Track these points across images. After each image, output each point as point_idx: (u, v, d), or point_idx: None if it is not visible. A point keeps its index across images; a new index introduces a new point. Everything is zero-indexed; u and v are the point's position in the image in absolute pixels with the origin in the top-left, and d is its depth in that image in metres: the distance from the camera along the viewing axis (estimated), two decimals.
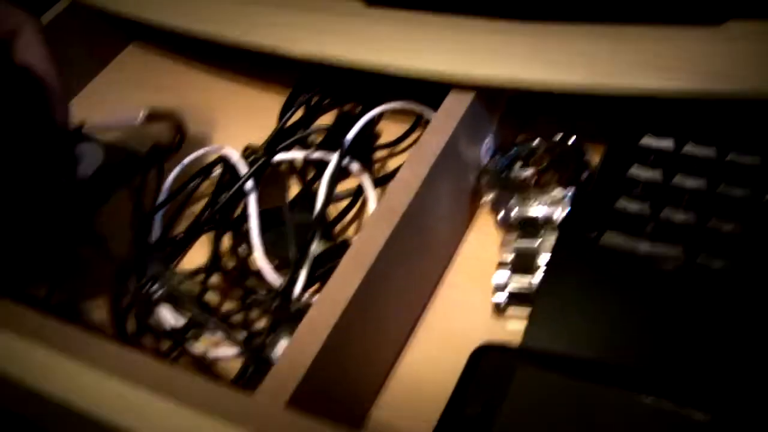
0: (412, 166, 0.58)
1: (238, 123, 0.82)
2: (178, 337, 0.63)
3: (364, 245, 0.54)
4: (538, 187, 0.62)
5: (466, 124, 0.61)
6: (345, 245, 0.63)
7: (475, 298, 0.61)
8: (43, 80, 0.56)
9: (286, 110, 0.78)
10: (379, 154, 0.73)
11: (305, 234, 0.63)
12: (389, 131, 0.75)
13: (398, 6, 0.68)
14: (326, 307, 0.52)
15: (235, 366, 0.61)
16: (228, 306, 0.65)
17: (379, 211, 0.56)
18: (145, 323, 0.64)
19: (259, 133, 0.75)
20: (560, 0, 0.62)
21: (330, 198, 0.63)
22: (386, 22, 0.67)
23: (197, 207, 0.72)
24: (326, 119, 0.77)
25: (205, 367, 0.62)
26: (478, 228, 0.66)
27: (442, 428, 0.49)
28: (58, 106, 0.57)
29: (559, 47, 0.60)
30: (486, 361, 0.52)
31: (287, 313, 0.59)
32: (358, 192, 0.69)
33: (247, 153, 0.70)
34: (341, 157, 0.64)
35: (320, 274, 0.62)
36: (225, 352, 0.62)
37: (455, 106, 0.62)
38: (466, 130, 0.62)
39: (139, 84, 0.91)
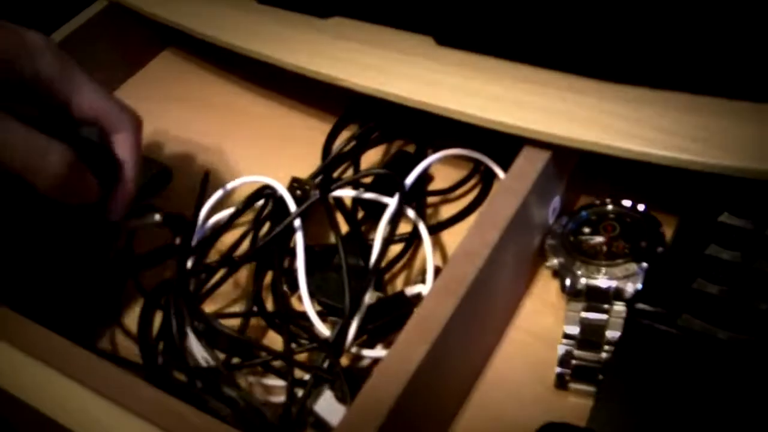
0: (482, 231, 0.55)
1: (275, 148, 0.79)
2: (212, 377, 0.59)
3: (429, 315, 0.51)
4: (608, 256, 0.59)
5: (538, 184, 0.58)
6: (401, 299, 0.59)
7: (532, 373, 0.58)
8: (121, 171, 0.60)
9: (331, 140, 0.74)
10: (431, 199, 0.69)
11: (352, 280, 0.59)
12: (441, 175, 0.71)
13: (471, 49, 0.64)
14: (387, 379, 0.49)
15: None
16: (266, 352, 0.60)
17: (444, 279, 0.53)
18: (176, 359, 0.60)
19: (299, 161, 0.72)
20: (654, 66, 0.58)
21: (387, 245, 0.59)
22: (457, 64, 0.64)
23: (230, 237, 0.68)
24: (374, 154, 0.74)
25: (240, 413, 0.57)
26: (537, 294, 0.62)
27: None
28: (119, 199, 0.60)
29: (654, 114, 0.57)
30: None
31: (334, 367, 0.55)
32: (410, 239, 0.65)
33: (295, 186, 0.66)
34: (401, 201, 0.61)
35: (373, 328, 0.58)
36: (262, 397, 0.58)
37: (528, 165, 0.59)
38: (538, 191, 0.58)
39: (167, 94, 0.87)
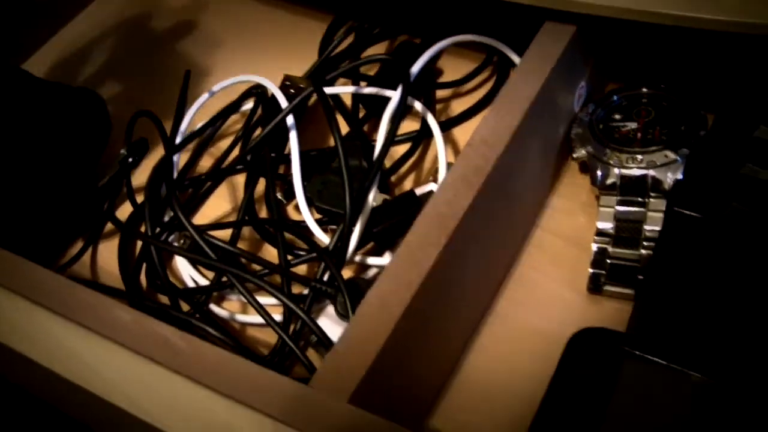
0: (501, 114, 0.48)
1: (270, 51, 0.71)
2: (200, 298, 0.52)
3: (445, 208, 0.44)
4: (643, 143, 0.52)
5: (562, 65, 0.51)
6: (410, 199, 0.52)
7: (562, 278, 0.51)
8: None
9: (329, 37, 0.66)
10: (440, 93, 0.62)
11: (355, 182, 0.52)
12: (451, 68, 0.64)
13: None
14: (398, 282, 0.42)
15: (265, 336, 0.52)
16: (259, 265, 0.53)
17: (460, 169, 0.46)
18: (160, 280, 0.53)
19: (297, 64, 0.64)
20: None
21: (391, 141, 0.52)
22: None
23: (224, 143, 0.61)
24: (376, 51, 0.66)
25: (231, 335, 0.51)
26: (565, 193, 0.55)
27: (541, 424, 0.40)
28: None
29: None
30: (588, 348, 0.43)
31: (337, 278, 0.48)
32: (419, 136, 0.57)
33: (288, 84, 0.59)
34: (405, 92, 0.53)
35: (378, 233, 0.51)
36: (256, 318, 0.52)
37: (551, 41, 0.51)
38: (562, 73, 0.51)
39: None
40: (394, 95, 0.54)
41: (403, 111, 0.53)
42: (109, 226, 0.60)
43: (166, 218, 0.57)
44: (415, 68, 0.56)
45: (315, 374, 0.39)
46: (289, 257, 0.52)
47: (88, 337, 0.42)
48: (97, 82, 0.69)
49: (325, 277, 0.50)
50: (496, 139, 0.47)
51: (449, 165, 0.54)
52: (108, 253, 0.59)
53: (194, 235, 0.51)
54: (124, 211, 0.60)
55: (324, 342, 0.46)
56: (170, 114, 0.60)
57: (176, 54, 0.72)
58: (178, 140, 0.58)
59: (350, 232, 0.50)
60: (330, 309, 0.50)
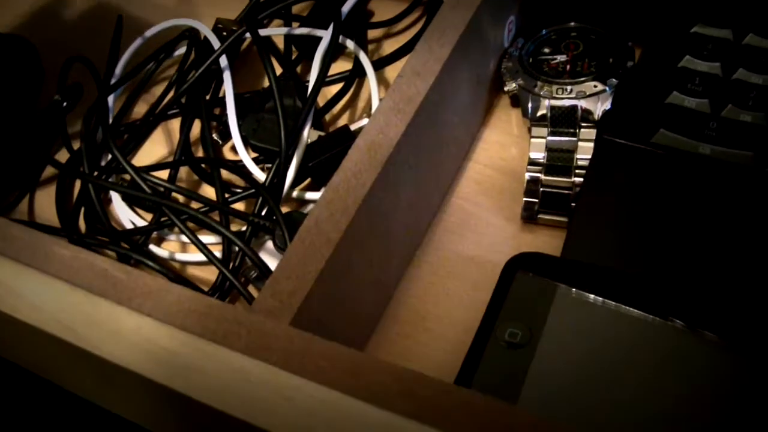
0: (431, 46, 0.48)
1: None
2: (139, 240, 0.52)
3: (377, 137, 0.44)
4: (573, 75, 0.53)
5: None
6: (345, 134, 0.52)
7: (497, 208, 0.52)
8: None
9: None
10: (373, 34, 0.62)
11: (290, 122, 0.53)
12: (382, 9, 0.64)
13: None
14: (333, 208, 0.42)
15: (205, 274, 0.52)
16: (198, 202, 0.53)
17: (393, 99, 0.46)
18: (99, 221, 0.53)
19: (230, 8, 0.63)
20: None
21: (323, 78, 0.52)
22: None
23: (158, 89, 0.61)
24: None
25: (173, 274, 0.51)
26: (496, 125, 0.56)
27: (476, 354, 0.42)
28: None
29: None
30: (521, 274, 0.45)
31: (274, 214, 0.48)
32: (352, 75, 0.58)
33: (220, 27, 0.59)
34: (337, 31, 0.53)
35: (313, 166, 0.52)
36: (195, 256, 0.52)
37: None
38: (491, 6, 0.51)
39: None
40: (326, 34, 0.55)
41: (334, 50, 0.54)
42: (46, 173, 0.59)
43: (103, 163, 0.56)
44: (346, 7, 0.56)
45: (255, 300, 0.39)
46: (227, 195, 0.52)
47: (25, 272, 0.42)
48: (24, 28, 0.68)
49: (263, 213, 0.50)
50: (427, 71, 0.47)
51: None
52: (46, 200, 0.58)
53: (132, 175, 0.51)
54: (60, 157, 0.59)
55: (264, 274, 0.46)
56: (103, 60, 0.60)
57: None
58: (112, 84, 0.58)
59: (286, 167, 0.50)
60: (269, 244, 0.50)
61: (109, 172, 0.55)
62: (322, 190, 0.50)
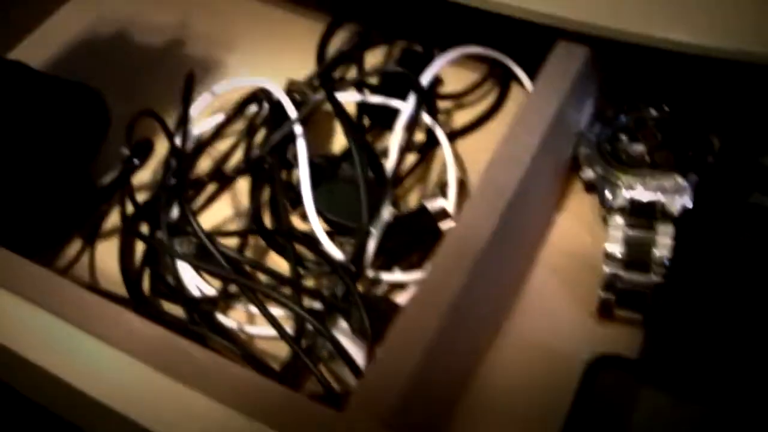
0: (519, 134, 0.48)
1: (263, 50, 0.70)
2: (207, 307, 0.52)
3: (468, 231, 0.44)
4: (652, 166, 0.52)
5: (575, 85, 0.51)
6: (422, 214, 0.52)
7: (571, 298, 0.52)
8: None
9: (326, 40, 0.66)
10: (441, 104, 0.62)
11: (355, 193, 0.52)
12: (448, 77, 0.63)
13: None
14: (425, 305, 0.42)
15: (273, 347, 0.51)
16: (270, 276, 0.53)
17: (482, 190, 0.46)
18: (165, 286, 0.53)
19: (288, 64, 0.64)
20: None
21: (404, 154, 0.52)
22: None
23: (221, 145, 0.61)
24: (374, 56, 0.66)
25: (239, 347, 0.51)
26: (570, 211, 0.56)
27: None
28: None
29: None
30: (604, 376, 0.45)
31: (354, 294, 0.48)
32: (425, 147, 0.58)
33: (292, 89, 0.58)
34: (419, 104, 0.53)
35: (392, 247, 0.51)
36: (266, 330, 0.51)
37: (565, 62, 0.52)
38: (575, 93, 0.51)
39: None
40: (406, 105, 0.54)
41: (415, 123, 0.53)
42: (107, 226, 0.59)
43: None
44: (425, 80, 0.55)
45: (350, 398, 0.39)
46: (300, 269, 0.52)
47: (101, 347, 0.42)
48: (89, 75, 0.67)
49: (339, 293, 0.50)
50: (516, 161, 0.47)
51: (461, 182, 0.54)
52: (106, 254, 0.57)
53: (208, 245, 0.50)
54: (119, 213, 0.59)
55: (345, 359, 0.46)
56: (167, 112, 0.60)
57: (169, 49, 0.70)
58: (177, 140, 0.57)
59: (365, 245, 0.50)
60: (341, 324, 0.50)
61: (177, 233, 0.54)
62: (395, 272, 0.50)
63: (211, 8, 0.74)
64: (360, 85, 0.59)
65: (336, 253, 0.52)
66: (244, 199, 0.58)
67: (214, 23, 0.72)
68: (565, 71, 0.51)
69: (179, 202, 0.53)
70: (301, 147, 0.54)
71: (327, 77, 0.59)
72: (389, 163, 0.53)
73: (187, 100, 0.58)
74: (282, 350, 0.51)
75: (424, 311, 0.42)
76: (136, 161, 0.58)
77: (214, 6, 0.74)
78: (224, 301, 0.53)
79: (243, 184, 0.59)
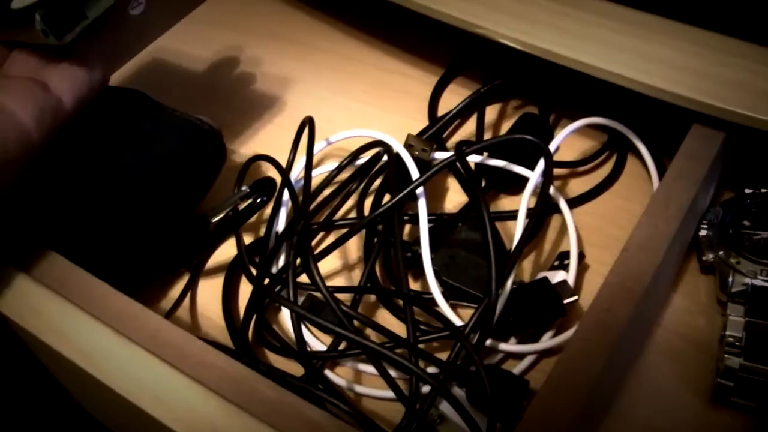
0: (656, 221, 0.48)
1: (371, 99, 0.70)
2: (317, 360, 0.51)
3: (605, 315, 0.44)
4: None
5: (711, 170, 0.50)
6: (544, 286, 0.52)
7: (684, 381, 0.51)
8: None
9: (438, 92, 0.66)
10: (557, 171, 0.62)
11: (475, 259, 0.52)
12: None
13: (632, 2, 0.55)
14: (562, 387, 0.42)
15: (378, 407, 0.51)
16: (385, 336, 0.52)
17: (618, 274, 0.46)
18: (274, 338, 0.53)
19: (398, 116, 0.65)
20: None
21: (531, 227, 0.52)
22: (616, 19, 0.55)
23: (334, 195, 0.61)
24: (489, 113, 0.66)
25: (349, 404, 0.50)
26: (686, 292, 0.55)
27: None
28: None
29: None
30: None
31: (476, 362, 0.47)
32: (542, 215, 0.58)
33: (411, 145, 0.58)
34: (549, 174, 0.53)
35: (515, 319, 0.51)
36: (378, 391, 0.51)
37: (701, 148, 0.52)
38: (708, 179, 0.51)
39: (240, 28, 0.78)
40: (534, 174, 0.54)
41: (546, 192, 0.53)
42: (216, 268, 0.58)
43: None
44: (553, 147, 0.55)
45: None
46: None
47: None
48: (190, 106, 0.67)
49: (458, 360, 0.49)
50: (653, 247, 0.47)
51: (580, 253, 0.54)
52: (209, 290, 0.58)
53: (331, 303, 0.50)
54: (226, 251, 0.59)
55: (465, 420, 0.45)
56: (275, 152, 0.60)
57: (277, 94, 0.71)
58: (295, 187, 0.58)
59: (491, 314, 0.49)
60: (458, 393, 0.49)
61: (287, 284, 0.53)
62: (511, 342, 0.50)
63: (321, 59, 0.74)
64: (486, 149, 0.58)
65: (454, 318, 0.51)
66: (353, 252, 0.58)
67: (322, 72, 0.72)
68: (701, 158, 0.51)
69: (302, 255, 0.53)
70: (422, 208, 0.54)
71: (460, 144, 0.59)
72: (517, 232, 0.52)
73: (310, 146, 0.58)
74: (389, 412, 0.50)
75: (565, 393, 0.41)
76: (262, 198, 0.58)
77: (324, 56, 0.74)
78: (339, 359, 0.53)
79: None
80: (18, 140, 0.47)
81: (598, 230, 0.57)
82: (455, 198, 0.61)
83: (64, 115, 0.50)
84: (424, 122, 0.65)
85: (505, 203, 0.60)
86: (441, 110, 0.66)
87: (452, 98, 0.66)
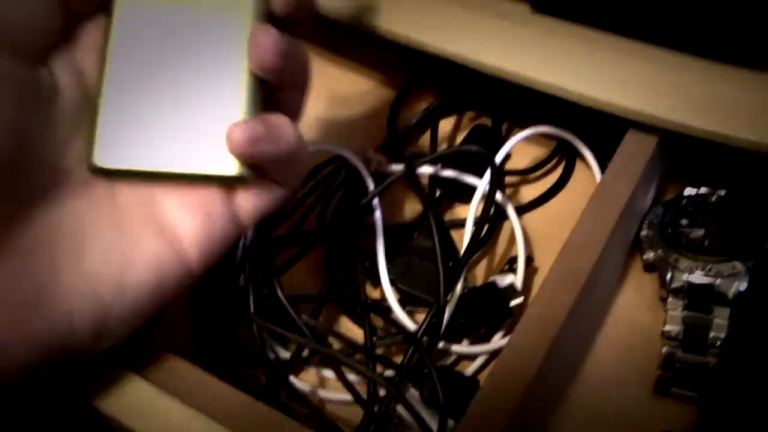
0: (596, 218, 0.51)
1: (332, 115, 0.72)
2: (281, 370, 0.54)
3: (544, 312, 0.47)
4: (710, 251, 0.54)
5: (647, 172, 0.53)
6: (493, 290, 0.54)
7: (630, 373, 0.54)
8: None
9: (397, 107, 0.69)
10: (509, 179, 0.64)
11: (428, 265, 0.55)
12: (516, 153, 0.65)
13: (571, 18, 0.58)
14: (501, 386, 0.45)
15: (339, 411, 0.54)
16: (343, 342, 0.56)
17: (558, 272, 0.49)
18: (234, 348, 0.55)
19: (359, 130, 0.68)
20: None
21: (480, 232, 0.54)
22: (555, 35, 0.58)
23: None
24: (444, 125, 0.69)
25: (311, 409, 0.53)
26: (631, 288, 0.58)
27: None
28: None
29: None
30: None
31: (428, 365, 0.50)
32: (494, 221, 0.61)
33: (368, 159, 0.61)
34: (495, 183, 0.55)
35: (464, 321, 0.54)
36: (339, 395, 0.54)
37: (637, 150, 0.54)
38: (644, 179, 0.54)
39: None
40: (482, 183, 0.57)
41: (492, 200, 0.55)
42: None
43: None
44: (499, 158, 0.58)
45: None
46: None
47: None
48: None
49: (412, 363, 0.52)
50: (592, 244, 0.50)
51: (528, 257, 0.57)
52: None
53: (292, 313, 0.52)
54: None
55: (420, 425, 0.48)
56: None
57: None
58: None
59: (441, 317, 0.52)
60: (413, 394, 0.52)
61: (253, 296, 0.56)
62: (463, 344, 0.53)
63: None
64: (437, 160, 0.61)
65: (408, 323, 0.54)
66: (319, 262, 0.60)
67: None
68: (636, 160, 0.53)
69: (264, 267, 0.55)
70: (378, 220, 0.57)
71: (411, 156, 0.61)
72: (465, 238, 0.55)
73: None
74: (351, 414, 0.53)
75: (505, 388, 0.44)
76: None
77: None
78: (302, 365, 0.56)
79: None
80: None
81: (548, 234, 0.59)
82: (416, 208, 0.63)
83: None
84: (383, 136, 0.67)
85: (461, 212, 0.63)
86: (400, 124, 0.68)
87: (412, 112, 0.69)
